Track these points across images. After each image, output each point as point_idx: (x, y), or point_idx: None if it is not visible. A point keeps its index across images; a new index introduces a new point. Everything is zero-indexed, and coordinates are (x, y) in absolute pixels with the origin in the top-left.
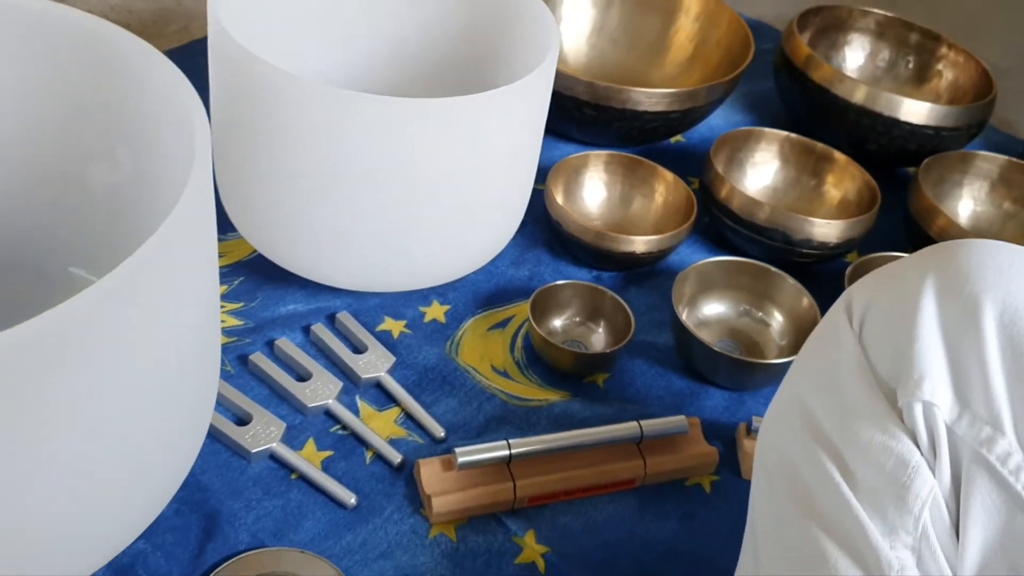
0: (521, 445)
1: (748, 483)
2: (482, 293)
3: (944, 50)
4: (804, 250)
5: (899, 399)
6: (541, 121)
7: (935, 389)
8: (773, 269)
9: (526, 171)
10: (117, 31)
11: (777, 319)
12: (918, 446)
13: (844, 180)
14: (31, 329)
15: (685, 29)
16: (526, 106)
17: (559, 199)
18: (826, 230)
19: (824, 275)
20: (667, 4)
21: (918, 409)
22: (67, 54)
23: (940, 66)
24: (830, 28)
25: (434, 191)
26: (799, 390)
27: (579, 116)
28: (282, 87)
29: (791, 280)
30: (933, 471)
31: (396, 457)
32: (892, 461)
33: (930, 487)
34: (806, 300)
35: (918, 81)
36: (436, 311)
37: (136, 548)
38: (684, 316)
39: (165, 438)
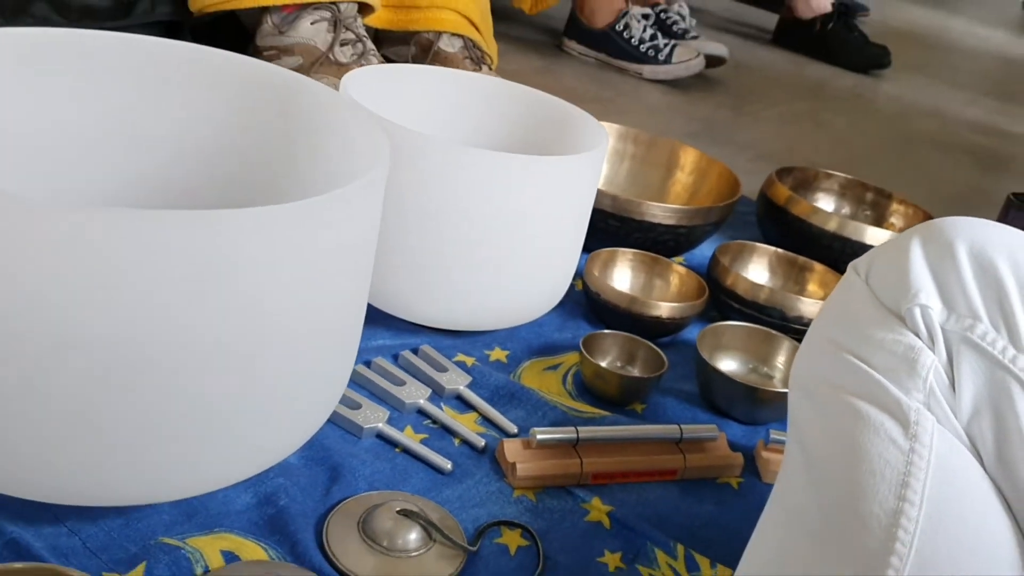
0: (587, 432)
1: (768, 486)
2: (534, 345)
3: (896, 205)
4: (797, 326)
5: (901, 309)
6: (592, 194)
7: (928, 298)
8: (775, 332)
9: (578, 236)
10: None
11: (780, 372)
12: (919, 338)
13: (823, 283)
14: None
15: (681, 181)
16: (589, 173)
17: (596, 273)
18: (813, 309)
19: None
20: (667, 161)
21: (917, 312)
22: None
23: (893, 218)
24: (799, 186)
25: (512, 242)
26: (822, 329)
27: (604, 227)
28: (398, 141)
29: (790, 340)
30: (933, 352)
31: (480, 442)
32: (902, 347)
33: (932, 360)
34: None
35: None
36: (499, 354)
37: (277, 483)
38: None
39: (328, 344)
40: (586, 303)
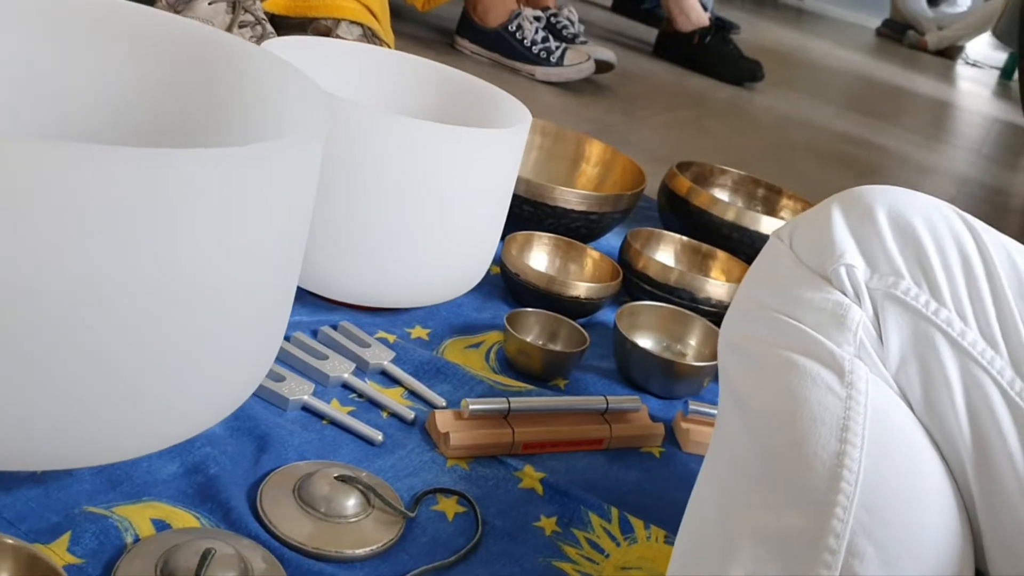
0: (518, 403)
1: (687, 455)
2: (455, 324)
3: (785, 200)
4: (705, 307)
5: (827, 270)
6: (514, 174)
7: (853, 258)
8: (688, 312)
9: (499, 217)
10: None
11: (692, 349)
12: (846, 296)
13: (725, 270)
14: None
15: (587, 173)
16: (514, 148)
17: (515, 254)
18: (721, 290)
19: None
20: (573, 153)
21: (843, 271)
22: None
23: (783, 212)
24: (697, 180)
25: (435, 217)
26: (749, 292)
27: (518, 212)
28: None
29: (701, 320)
30: (860, 307)
31: (410, 414)
32: (830, 304)
33: (860, 315)
34: (716, 337)
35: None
36: (420, 332)
37: (204, 452)
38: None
39: (258, 309)
40: (504, 285)
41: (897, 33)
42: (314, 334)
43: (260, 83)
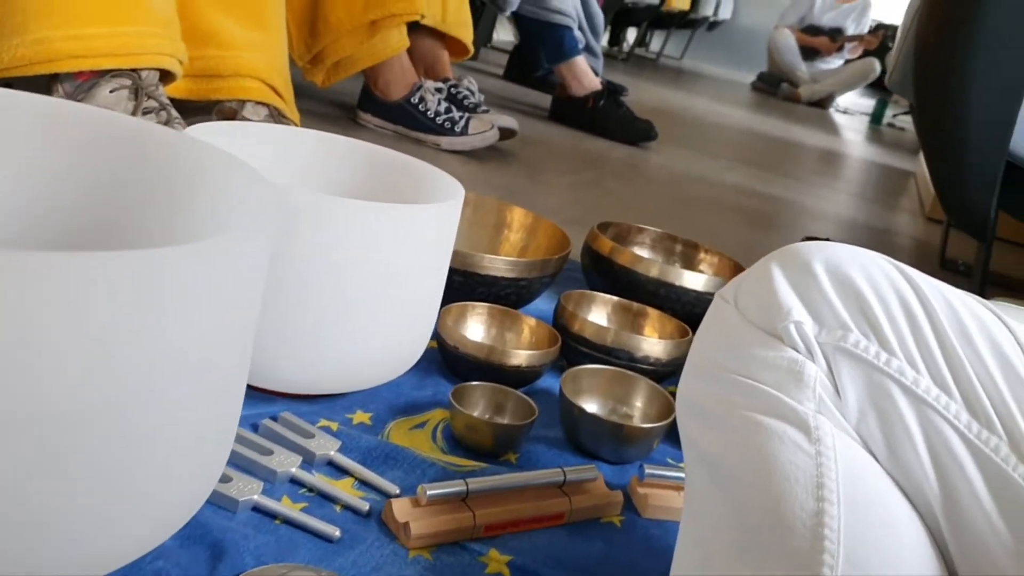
0: (476, 483)
1: (648, 521)
2: (396, 405)
3: (702, 254)
4: (644, 366)
5: (776, 328)
6: (450, 247)
7: (800, 315)
8: (631, 373)
9: (438, 291)
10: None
11: (639, 410)
12: (799, 353)
13: (657, 327)
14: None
15: (510, 239)
16: (449, 223)
17: (451, 325)
18: (658, 348)
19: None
20: (495, 220)
21: (792, 329)
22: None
23: (702, 266)
24: (618, 239)
25: (374, 298)
26: (703, 354)
27: (449, 283)
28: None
29: (644, 380)
30: (814, 362)
31: (364, 506)
32: (785, 362)
33: (815, 370)
34: (660, 396)
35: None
36: (361, 416)
37: (156, 567)
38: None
39: (210, 415)
40: (442, 359)
41: (772, 86)
42: (255, 428)
43: (197, 175)
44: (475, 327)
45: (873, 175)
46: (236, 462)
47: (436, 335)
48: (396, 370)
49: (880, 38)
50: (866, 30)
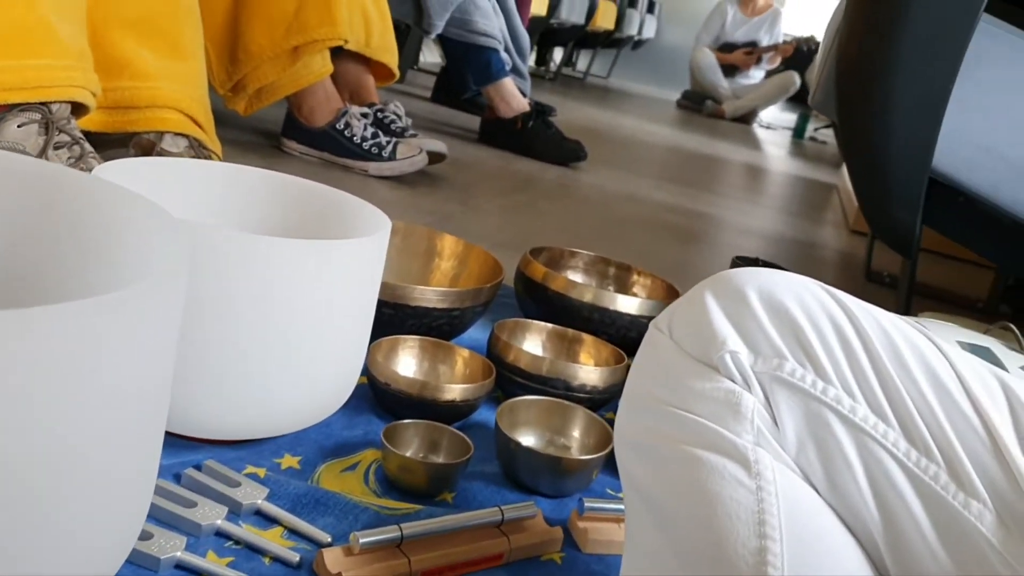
0: (410, 528)
1: (588, 556)
2: (326, 447)
3: (635, 276)
4: (580, 394)
5: (712, 358)
6: (377, 282)
7: (735, 345)
8: (567, 403)
9: (366, 327)
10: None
11: (576, 441)
12: (735, 383)
13: (593, 353)
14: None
15: (441, 268)
16: (375, 257)
17: (382, 361)
18: (594, 375)
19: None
20: (425, 249)
21: (728, 359)
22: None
23: (635, 288)
24: (550, 264)
25: (298, 337)
26: (639, 387)
27: (378, 316)
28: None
29: (581, 409)
30: (751, 393)
31: (294, 557)
32: (722, 393)
33: (753, 401)
34: (598, 425)
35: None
36: (290, 460)
37: None
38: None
39: (120, 480)
40: (373, 396)
41: (696, 104)
42: (177, 479)
43: (109, 221)
44: (407, 361)
45: (797, 189)
46: (157, 516)
47: (366, 371)
48: (325, 410)
49: (795, 45)
50: (780, 39)
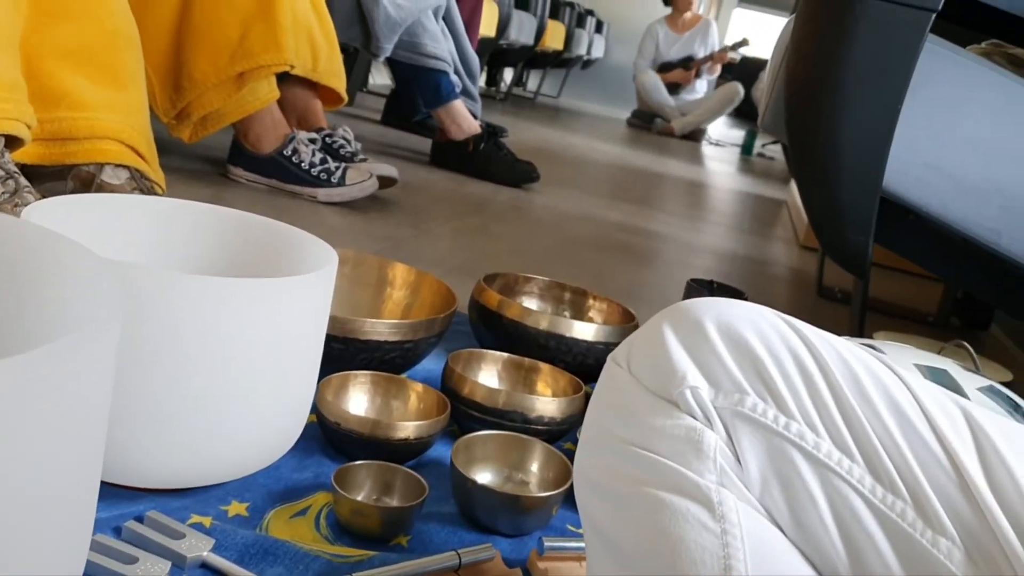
0: None
1: None
2: (275, 492)
3: (591, 301)
4: (538, 426)
5: (672, 394)
6: (324, 320)
7: (695, 379)
8: (524, 437)
9: (314, 365)
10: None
11: (535, 476)
12: (696, 420)
13: (550, 382)
14: None
15: (393, 298)
16: (322, 294)
17: (331, 400)
18: (551, 407)
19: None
20: (376, 278)
21: (688, 394)
22: None
23: (591, 313)
24: (505, 291)
25: (242, 378)
26: (598, 424)
27: (327, 352)
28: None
29: (540, 443)
30: (712, 430)
31: None
32: (683, 431)
33: (715, 438)
34: (557, 459)
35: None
36: (237, 508)
37: None
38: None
39: (50, 539)
40: (323, 436)
41: (646, 122)
42: (117, 532)
43: (32, 263)
44: (358, 398)
45: (748, 205)
46: (96, 573)
47: (316, 410)
48: (273, 453)
49: (730, 50)
50: (716, 49)
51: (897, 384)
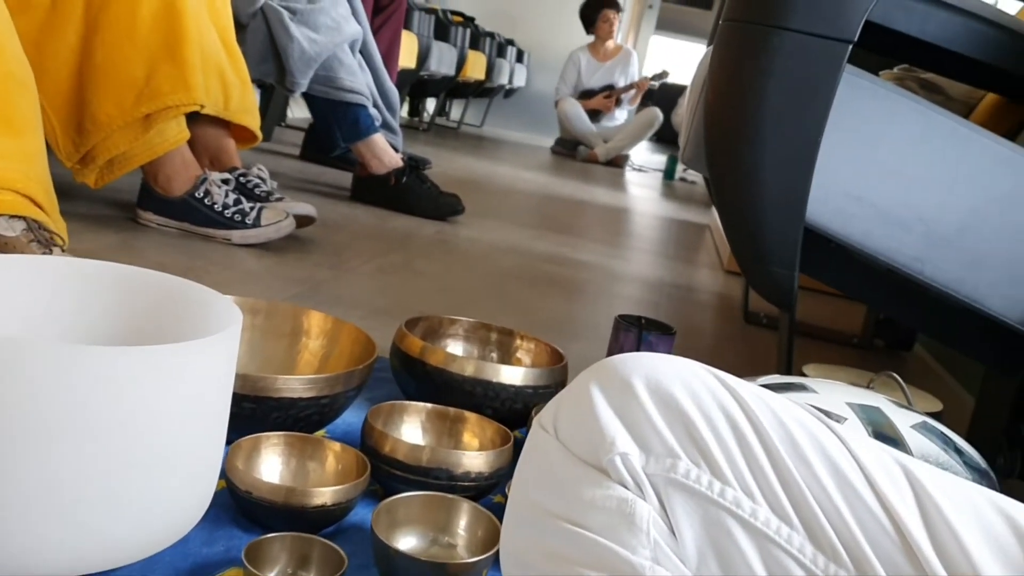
0: None
1: None
2: (182, 569)
3: (519, 341)
4: (465, 483)
5: (602, 460)
6: (229, 383)
7: (625, 445)
8: (450, 496)
9: (220, 431)
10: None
11: (462, 538)
12: (627, 489)
13: (477, 432)
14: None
15: (310, 348)
16: (225, 356)
17: (241, 468)
18: (478, 461)
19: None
20: (291, 328)
21: (618, 461)
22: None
23: (519, 353)
24: (428, 335)
25: (140, 451)
26: (525, 496)
27: (238, 412)
28: None
29: (467, 502)
30: (644, 500)
31: None
32: (614, 502)
33: (648, 510)
34: (484, 518)
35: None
36: None
37: None
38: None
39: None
40: (235, 505)
41: (570, 150)
42: None
43: None
44: (271, 462)
45: (672, 231)
46: None
47: (226, 476)
48: (180, 529)
49: (651, 80)
50: (636, 78)
51: (835, 443)
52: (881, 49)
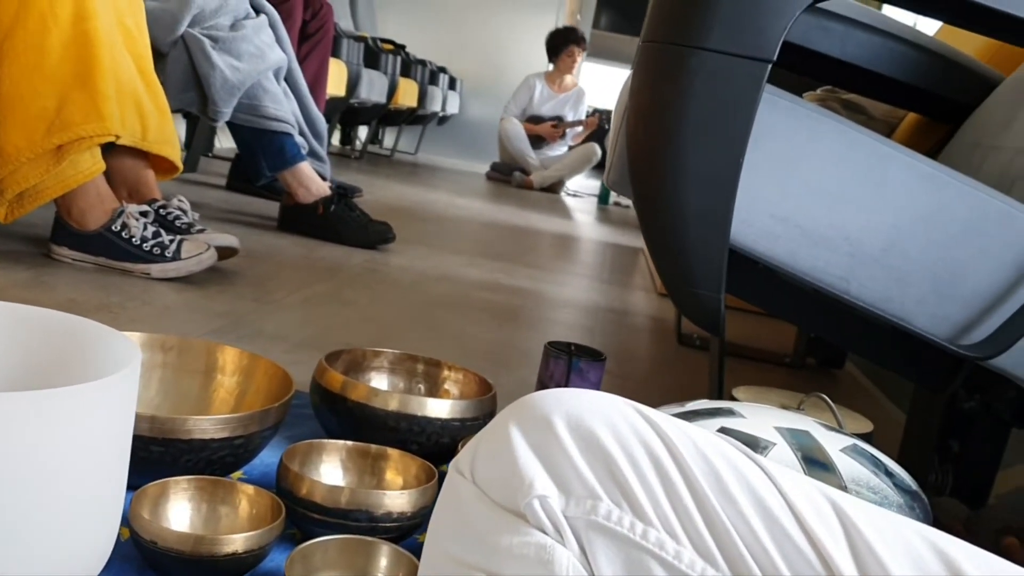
0: None
1: None
2: None
3: (446, 371)
4: (386, 523)
5: (519, 504)
6: (128, 425)
7: (544, 487)
8: (369, 539)
9: (120, 477)
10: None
11: None
12: (547, 534)
13: (400, 470)
14: None
15: (224, 385)
16: (123, 399)
17: (147, 516)
18: (400, 501)
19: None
20: (204, 365)
21: (536, 505)
22: None
23: (447, 384)
24: (351, 369)
25: (28, 506)
26: (440, 545)
27: (146, 456)
28: None
29: (387, 544)
30: (564, 546)
31: None
32: (533, 549)
33: (567, 556)
34: (405, 561)
35: (433, 397)
36: None
37: None
38: None
39: None
40: (140, 556)
41: (505, 175)
42: None
43: None
44: (180, 508)
45: (607, 255)
46: None
47: (129, 524)
48: None
49: (598, 120)
50: (584, 116)
51: (762, 479)
52: (804, 70)
